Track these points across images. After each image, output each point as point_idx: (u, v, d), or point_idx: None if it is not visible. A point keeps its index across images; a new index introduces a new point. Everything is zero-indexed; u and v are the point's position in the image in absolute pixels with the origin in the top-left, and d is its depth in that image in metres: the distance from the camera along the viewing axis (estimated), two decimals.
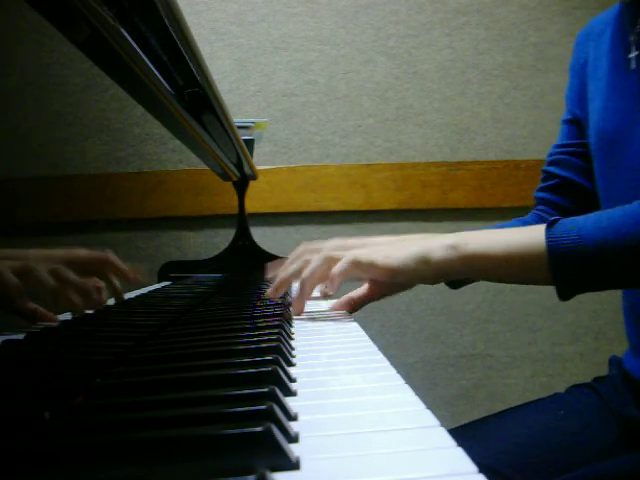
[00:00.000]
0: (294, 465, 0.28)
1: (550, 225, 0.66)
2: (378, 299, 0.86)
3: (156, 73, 0.75)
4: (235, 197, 1.48)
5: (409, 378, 0.43)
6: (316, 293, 1.03)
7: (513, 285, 1.90)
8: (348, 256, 0.74)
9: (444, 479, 0.27)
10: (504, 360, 1.92)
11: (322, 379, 0.45)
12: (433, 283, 0.76)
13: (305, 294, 0.77)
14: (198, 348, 0.53)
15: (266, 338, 0.54)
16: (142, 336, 0.59)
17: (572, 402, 0.89)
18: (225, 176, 1.45)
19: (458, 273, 0.72)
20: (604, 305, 1.90)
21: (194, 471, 0.28)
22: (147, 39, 0.71)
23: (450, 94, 1.91)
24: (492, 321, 1.92)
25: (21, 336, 0.56)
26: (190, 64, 0.80)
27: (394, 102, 1.90)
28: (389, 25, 1.89)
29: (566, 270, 0.65)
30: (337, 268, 0.74)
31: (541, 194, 1.01)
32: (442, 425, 0.33)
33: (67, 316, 0.69)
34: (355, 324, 0.71)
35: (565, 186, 0.98)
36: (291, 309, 0.80)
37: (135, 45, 0.66)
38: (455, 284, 0.91)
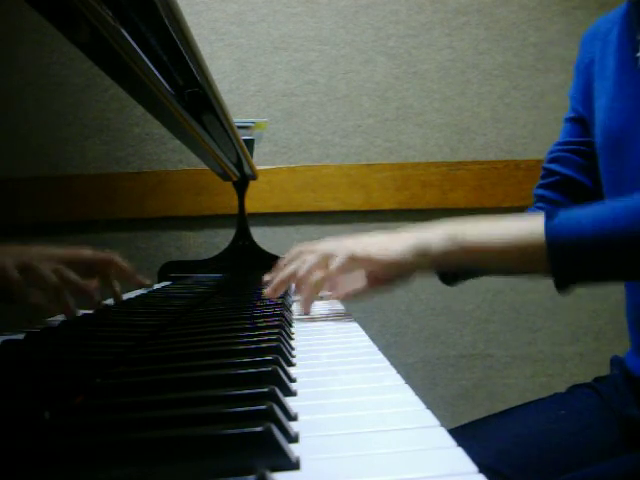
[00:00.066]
0: (294, 465, 0.28)
1: (549, 215, 0.66)
2: (376, 292, 0.86)
3: (156, 73, 0.75)
4: (235, 197, 1.48)
5: (409, 378, 0.43)
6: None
7: (513, 285, 1.90)
8: (344, 251, 0.74)
9: (444, 479, 0.27)
10: (504, 360, 1.92)
11: (322, 379, 0.45)
12: (430, 274, 0.76)
13: (307, 292, 0.77)
14: (198, 348, 0.53)
15: (266, 338, 0.54)
16: (142, 336, 0.59)
17: (572, 402, 0.89)
18: (225, 176, 1.45)
19: (456, 264, 0.72)
20: (604, 305, 1.90)
21: (194, 471, 0.28)
22: (147, 39, 0.71)
23: (450, 94, 1.91)
24: (492, 321, 1.92)
25: (21, 336, 0.56)
26: (190, 64, 0.80)
27: (394, 102, 1.90)
28: (389, 25, 1.89)
29: (565, 261, 0.65)
30: (334, 264, 0.74)
31: (540, 191, 1.01)
32: (442, 425, 0.33)
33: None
34: (355, 324, 0.71)
35: (565, 183, 0.98)
36: (299, 309, 0.80)
37: (135, 45, 0.66)
38: (450, 280, 0.90)
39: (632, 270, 0.67)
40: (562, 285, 0.68)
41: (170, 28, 0.69)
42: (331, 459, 0.30)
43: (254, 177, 1.51)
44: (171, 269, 1.23)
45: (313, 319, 0.78)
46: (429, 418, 0.35)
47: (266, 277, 0.85)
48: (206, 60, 0.85)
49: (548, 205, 0.99)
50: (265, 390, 0.36)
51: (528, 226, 0.68)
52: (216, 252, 1.45)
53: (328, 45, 1.88)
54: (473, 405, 1.89)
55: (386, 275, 0.76)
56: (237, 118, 1.30)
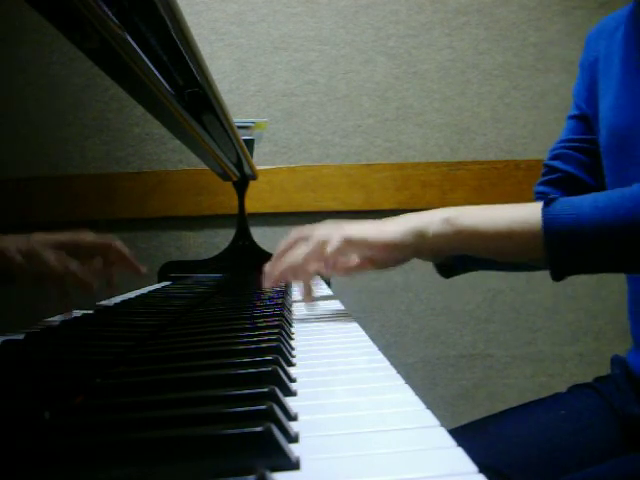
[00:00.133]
0: (294, 465, 0.28)
1: (548, 203, 0.66)
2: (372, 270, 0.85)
3: (156, 73, 0.75)
4: (235, 197, 1.48)
5: (409, 378, 0.43)
6: (316, 293, 1.03)
7: (513, 285, 1.90)
8: (340, 234, 0.74)
9: (444, 479, 0.27)
10: (504, 360, 1.92)
11: (322, 379, 0.45)
12: (427, 258, 0.76)
13: (305, 280, 0.77)
14: (198, 348, 0.53)
15: (266, 338, 0.54)
16: (142, 336, 0.59)
17: (573, 402, 0.89)
18: (225, 176, 1.45)
19: (453, 248, 0.72)
20: (604, 305, 1.90)
21: (194, 471, 0.28)
22: (147, 39, 0.71)
23: (450, 94, 1.91)
24: (492, 321, 1.92)
25: (21, 336, 0.56)
26: (190, 64, 0.80)
27: (394, 102, 1.90)
28: (389, 25, 1.89)
29: (561, 249, 0.65)
30: (330, 248, 0.74)
31: (541, 188, 1.00)
32: (442, 425, 0.33)
33: (67, 316, 0.68)
34: (355, 324, 0.71)
35: (567, 180, 0.97)
36: (303, 298, 0.80)
37: (135, 45, 0.66)
38: (448, 272, 0.90)
39: (630, 260, 0.66)
40: (557, 273, 0.67)
41: (170, 28, 0.69)
42: (331, 459, 0.30)
43: (254, 177, 1.51)
44: (171, 269, 1.23)
45: (313, 319, 0.78)
46: (429, 418, 0.35)
47: (266, 267, 0.85)
48: (206, 60, 0.85)
49: None
50: (265, 390, 0.36)
51: (526, 212, 0.68)
52: (216, 252, 1.45)
53: (328, 45, 1.88)
54: (473, 405, 1.89)
55: (382, 257, 0.76)
56: (237, 118, 1.30)
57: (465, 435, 0.84)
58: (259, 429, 0.28)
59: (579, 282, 1.88)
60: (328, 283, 1.26)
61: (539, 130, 1.91)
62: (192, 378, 0.42)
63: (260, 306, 0.81)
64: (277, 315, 0.71)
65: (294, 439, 0.32)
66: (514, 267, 0.93)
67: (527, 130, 1.92)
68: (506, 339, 1.92)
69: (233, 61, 1.85)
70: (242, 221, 1.47)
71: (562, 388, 0.95)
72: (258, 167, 1.55)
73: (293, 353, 0.55)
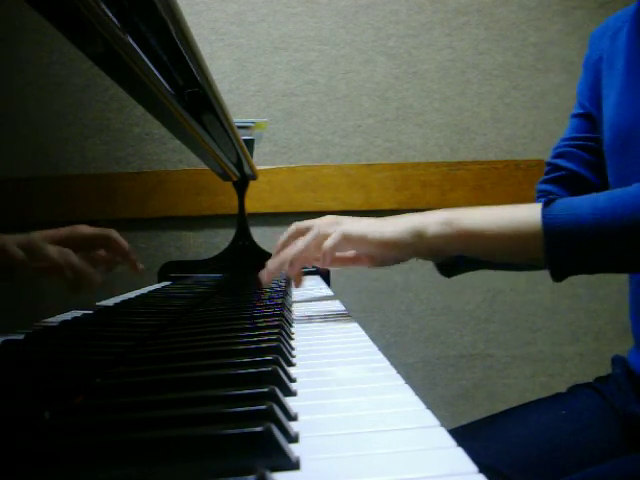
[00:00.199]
0: (294, 465, 0.28)
1: (547, 204, 0.66)
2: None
3: (156, 73, 0.75)
4: (235, 197, 1.48)
5: (409, 378, 0.43)
6: (316, 293, 1.03)
7: (513, 285, 1.90)
8: (339, 230, 0.74)
9: (444, 479, 0.27)
10: (504, 360, 1.92)
11: (322, 379, 0.45)
12: (426, 258, 0.76)
13: (294, 270, 0.77)
14: (198, 348, 0.53)
15: (266, 338, 0.54)
16: (142, 336, 0.59)
17: (573, 402, 0.89)
18: (225, 176, 1.45)
19: (452, 249, 0.72)
20: (604, 305, 1.90)
21: (194, 471, 0.28)
22: (147, 39, 0.71)
23: (450, 94, 1.91)
24: (492, 321, 1.92)
25: (21, 336, 0.56)
26: (190, 64, 0.80)
27: (394, 102, 1.90)
28: (389, 25, 1.89)
29: (561, 249, 0.65)
30: (328, 242, 0.74)
31: (544, 186, 1.00)
32: (442, 425, 0.33)
33: (67, 316, 0.69)
34: (355, 324, 0.71)
35: (570, 179, 0.97)
36: (262, 272, 0.80)
37: (135, 45, 0.66)
38: (448, 271, 0.90)
39: (630, 259, 0.66)
40: (557, 274, 0.67)
41: (170, 28, 0.69)
42: (331, 459, 0.30)
43: (254, 177, 1.51)
44: (171, 269, 1.23)
45: (313, 319, 0.78)
46: (429, 418, 0.35)
47: (268, 263, 0.85)
48: (206, 60, 0.85)
49: None
50: (265, 390, 0.36)
51: (525, 213, 0.68)
52: (216, 252, 1.45)
53: (328, 45, 1.88)
54: (473, 405, 1.89)
55: (380, 255, 0.76)
56: (237, 118, 1.30)
57: (465, 435, 0.84)
58: (259, 429, 0.28)
59: (579, 282, 1.88)
60: (328, 283, 1.26)
61: (539, 130, 1.91)
62: (192, 378, 0.42)
63: (260, 306, 0.81)
64: (277, 315, 0.71)
65: (294, 439, 0.32)
66: (515, 267, 0.93)
67: (527, 130, 1.92)
68: (506, 339, 1.92)
69: (233, 61, 1.85)
70: (242, 221, 1.47)
71: (562, 388, 0.95)
72: (258, 167, 1.55)
73: (293, 353, 0.55)
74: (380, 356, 0.52)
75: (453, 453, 0.30)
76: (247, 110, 1.85)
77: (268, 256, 1.45)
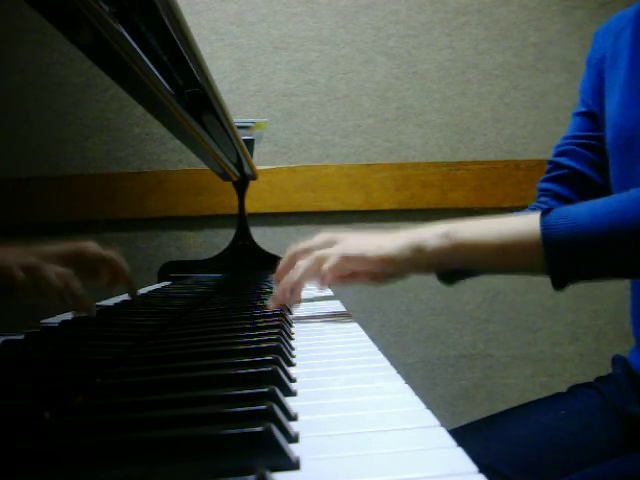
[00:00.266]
0: (294, 465, 0.28)
1: (545, 213, 0.66)
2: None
3: (156, 73, 0.75)
4: (235, 197, 1.48)
5: (409, 378, 0.43)
6: (316, 293, 1.03)
7: (513, 285, 1.90)
8: (337, 251, 0.74)
9: (444, 479, 0.27)
10: (504, 360, 1.92)
11: (322, 379, 0.45)
12: (427, 273, 0.75)
13: (295, 297, 0.77)
14: (198, 348, 0.53)
15: (266, 338, 0.54)
16: (142, 336, 0.59)
17: (573, 402, 0.89)
18: (225, 176, 1.45)
19: (452, 262, 0.72)
20: (604, 305, 1.90)
21: (194, 471, 0.28)
22: (147, 39, 0.71)
23: (450, 94, 1.91)
24: (492, 321, 1.92)
25: (21, 336, 0.56)
26: (190, 64, 0.80)
27: (394, 102, 1.90)
28: (389, 25, 1.89)
29: (561, 258, 0.65)
30: (327, 265, 0.73)
31: (545, 184, 0.99)
32: (442, 425, 0.33)
33: (67, 316, 0.69)
34: (355, 324, 0.71)
35: (573, 177, 0.96)
36: (269, 301, 0.79)
37: (135, 45, 0.66)
38: (449, 279, 0.90)
39: (629, 266, 0.66)
40: (558, 283, 0.67)
41: (170, 28, 0.69)
42: (331, 459, 0.30)
43: (254, 177, 1.51)
44: (171, 269, 1.23)
45: (313, 319, 0.78)
46: (429, 418, 0.35)
47: (274, 293, 0.84)
48: (206, 60, 0.85)
49: (553, 199, 0.97)
50: (265, 390, 0.36)
51: (524, 223, 0.68)
52: (216, 252, 1.45)
53: (328, 45, 1.88)
54: (473, 405, 1.89)
55: (380, 272, 0.76)
56: (237, 118, 1.30)
57: (465, 435, 0.84)
58: (259, 429, 0.28)
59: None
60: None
61: (539, 130, 1.91)
62: (192, 378, 0.42)
63: (260, 306, 0.81)
64: (277, 315, 0.71)
65: (294, 439, 0.32)
66: (516, 274, 0.92)
67: (527, 130, 1.92)
68: (506, 339, 1.92)
69: (233, 61, 1.85)
70: (242, 221, 1.47)
71: (562, 388, 0.95)
72: (258, 167, 1.55)
73: (293, 353, 0.55)
74: (380, 356, 0.52)
75: (453, 453, 0.30)
76: (247, 110, 1.85)
77: (268, 256, 1.46)
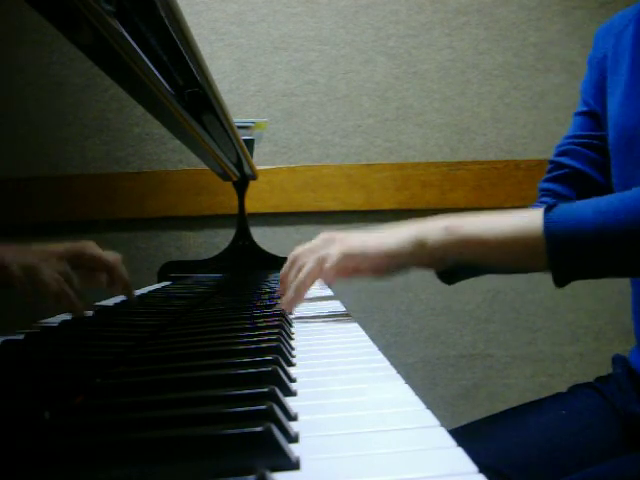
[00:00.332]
0: (294, 465, 0.28)
1: (548, 209, 0.66)
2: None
3: (156, 73, 0.75)
4: (235, 197, 1.48)
5: (409, 378, 0.43)
6: (316, 293, 1.03)
7: (513, 285, 1.90)
8: (339, 249, 0.74)
9: (444, 479, 0.27)
10: (504, 360, 1.92)
11: (322, 379, 0.45)
12: (428, 267, 0.75)
13: (299, 298, 0.77)
14: (198, 348, 0.53)
15: (266, 338, 0.54)
16: (142, 336, 0.59)
17: (573, 402, 0.89)
18: (225, 176, 1.45)
19: (453, 256, 0.72)
20: (604, 305, 1.90)
21: (194, 471, 0.28)
22: (147, 39, 0.71)
23: (450, 94, 1.91)
24: (492, 321, 1.92)
25: (21, 336, 0.56)
26: (190, 64, 0.80)
27: (394, 102, 1.90)
28: (389, 25, 1.89)
29: (563, 254, 0.64)
30: (330, 263, 0.73)
31: (547, 184, 0.99)
32: (442, 425, 0.33)
33: (67, 316, 0.69)
34: (355, 324, 0.71)
35: (574, 177, 0.96)
36: (279, 304, 0.79)
37: (135, 45, 0.66)
38: (450, 278, 0.89)
39: (632, 265, 0.66)
40: (560, 279, 0.67)
41: (170, 28, 0.69)
42: (331, 459, 0.30)
43: (254, 177, 1.51)
44: (171, 269, 1.23)
45: (313, 319, 0.78)
46: (429, 418, 0.35)
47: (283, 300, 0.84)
48: (206, 60, 0.85)
49: (554, 199, 0.96)
50: (265, 390, 0.36)
51: (527, 219, 0.68)
52: (216, 252, 1.45)
53: (328, 45, 1.88)
54: (473, 405, 1.89)
55: (383, 267, 0.76)
56: (237, 118, 1.30)
57: (465, 435, 0.84)
58: (259, 429, 0.28)
59: (579, 282, 1.88)
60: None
61: (539, 130, 1.91)
62: (192, 378, 0.42)
63: (260, 306, 0.81)
64: (277, 315, 0.71)
65: (294, 439, 0.32)
66: (516, 271, 0.92)
67: (527, 130, 1.92)
68: (506, 339, 1.92)
69: (233, 61, 1.85)
70: (242, 221, 1.47)
71: (562, 388, 0.95)
72: (258, 167, 1.55)
73: (293, 353, 0.55)
74: (380, 356, 0.52)
75: (453, 453, 0.30)
76: (247, 110, 1.85)
77: (268, 256, 1.46)
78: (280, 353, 0.49)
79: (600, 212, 0.63)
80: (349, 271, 0.78)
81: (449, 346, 1.91)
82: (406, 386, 0.42)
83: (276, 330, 0.58)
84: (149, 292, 1.03)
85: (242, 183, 1.48)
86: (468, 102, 1.91)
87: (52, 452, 0.28)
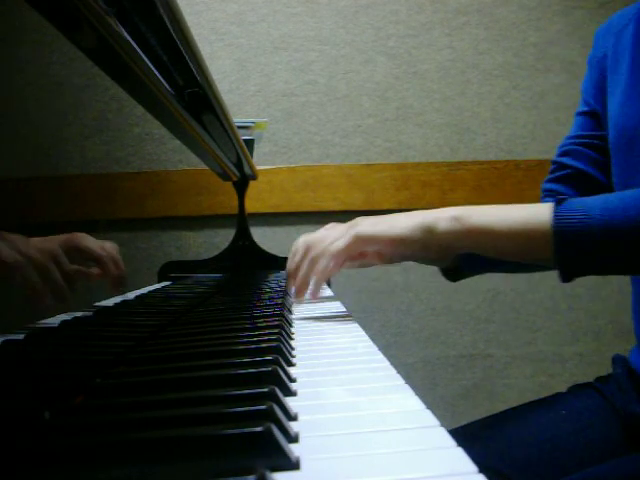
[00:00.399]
0: (294, 465, 0.28)
1: (558, 203, 0.66)
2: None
3: (156, 73, 0.75)
4: (235, 197, 1.48)
5: (409, 378, 0.43)
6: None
7: (513, 285, 1.90)
8: (350, 232, 0.74)
9: (444, 479, 0.27)
10: (504, 360, 1.92)
11: (322, 379, 0.45)
12: (436, 256, 0.75)
13: (318, 290, 0.77)
14: (198, 348, 0.53)
15: (266, 338, 0.54)
16: (142, 336, 0.59)
17: (573, 402, 0.89)
18: (225, 176, 1.45)
19: (461, 246, 0.72)
20: (604, 305, 1.90)
21: (194, 471, 0.28)
22: (147, 39, 0.71)
23: (450, 94, 1.91)
24: (492, 321, 1.92)
25: (21, 336, 0.56)
26: (190, 64, 0.80)
27: (394, 102, 1.90)
28: (389, 25, 1.89)
29: (570, 249, 0.64)
30: (339, 244, 0.74)
31: (549, 185, 0.99)
32: (442, 425, 0.33)
33: (67, 316, 0.69)
34: (355, 324, 0.71)
35: (577, 177, 0.96)
36: (291, 294, 0.80)
37: (135, 45, 0.66)
38: (454, 276, 0.89)
39: (638, 262, 0.66)
40: (566, 274, 0.67)
41: (170, 28, 0.69)
42: (331, 459, 0.30)
43: (254, 177, 1.51)
44: (171, 269, 1.23)
45: (313, 319, 0.78)
46: (429, 418, 0.35)
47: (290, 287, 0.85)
48: (206, 60, 0.85)
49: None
50: (265, 390, 0.36)
51: (535, 212, 0.68)
52: (216, 252, 1.45)
53: (328, 45, 1.88)
54: (473, 405, 1.89)
55: (390, 252, 0.76)
56: (237, 118, 1.30)
57: (465, 435, 0.84)
58: (259, 429, 0.28)
59: (579, 282, 1.87)
60: (328, 283, 1.26)
61: (539, 130, 1.91)
62: (192, 378, 0.42)
63: (260, 306, 0.81)
64: (277, 315, 0.71)
65: (294, 439, 0.32)
66: (523, 268, 0.92)
67: (527, 130, 1.92)
68: (506, 339, 1.92)
69: (233, 61, 1.85)
70: (242, 221, 1.47)
71: (562, 388, 0.95)
72: (258, 167, 1.55)
73: (293, 353, 0.55)
74: (380, 356, 0.52)
75: (453, 453, 0.30)
76: (247, 110, 1.85)
77: (268, 256, 1.46)
78: (280, 353, 0.49)
79: (609, 208, 0.63)
80: (355, 256, 0.79)
81: (449, 346, 1.91)
82: (406, 386, 0.42)
83: (276, 330, 0.58)
84: (149, 292, 1.03)
85: (242, 183, 1.48)
86: (468, 102, 1.91)
87: (52, 452, 0.28)
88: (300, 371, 0.48)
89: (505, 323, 1.92)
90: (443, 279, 0.93)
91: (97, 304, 0.82)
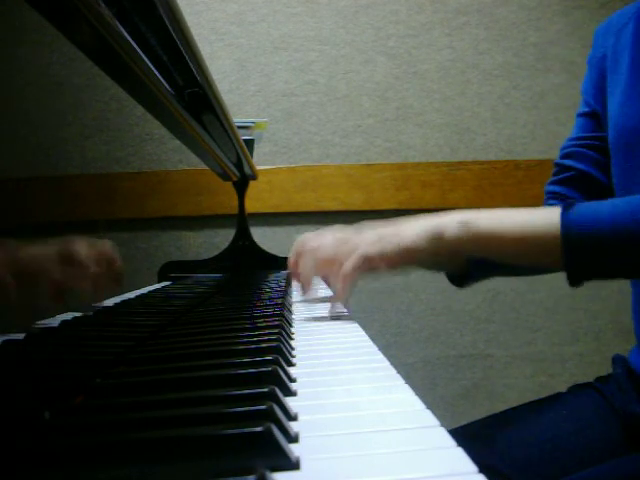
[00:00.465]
0: (294, 465, 0.28)
1: (566, 207, 0.66)
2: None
3: (156, 73, 0.75)
4: (235, 197, 1.48)
5: (409, 378, 0.43)
6: (316, 294, 1.03)
7: (513, 285, 1.90)
8: (358, 254, 0.73)
9: (444, 479, 0.27)
10: (504, 360, 1.92)
11: (322, 379, 0.45)
12: (446, 260, 0.75)
13: (343, 295, 0.77)
14: (198, 348, 0.53)
15: (266, 338, 0.54)
16: (142, 336, 0.59)
17: (574, 402, 0.89)
18: (225, 176, 1.45)
19: (469, 251, 0.72)
20: (604, 305, 1.90)
21: (194, 471, 0.28)
22: (147, 39, 0.71)
23: (450, 94, 1.91)
24: (492, 321, 1.92)
25: (21, 336, 0.56)
26: (190, 64, 0.80)
27: (394, 102, 1.90)
28: (389, 25, 1.89)
29: (579, 253, 0.64)
30: (347, 268, 0.73)
31: (552, 187, 0.99)
32: (442, 425, 0.33)
33: (67, 316, 0.69)
34: (355, 324, 0.71)
35: (579, 179, 0.96)
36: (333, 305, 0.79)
37: (135, 45, 0.66)
38: (461, 281, 0.89)
39: None
40: (575, 278, 0.67)
41: (170, 28, 0.69)
42: (331, 459, 0.30)
43: (254, 177, 1.51)
44: (171, 269, 1.23)
45: (313, 319, 0.78)
46: (429, 418, 0.35)
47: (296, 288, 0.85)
48: (206, 60, 0.85)
49: (560, 201, 0.97)
50: (265, 390, 0.36)
51: (544, 216, 0.67)
52: (216, 252, 1.45)
53: (328, 45, 1.88)
54: (473, 405, 1.89)
55: (399, 263, 0.75)
56: (237, 118, 1.30)
57: (465, 435, 0.84)
58: (259, 429, 0.28)
59: None
60: (328, 283, 1.26)
61: (539, 130, 1.91)
62: (192, 378, 0.42)
63: (260, 306, 0.81)
64: (277, 315, 0.71)
65: (294, 439, 0.32)
66: (530, 272, 0.92)
67: (527, 130, 1.92)
68: (506, 339, 1.92)
69: (233, 61, 1.85)
70: (242, 221, 1.47)
71: (562, 388, 0.95)
72: (258, 167, 1.55)
73: (293, 353, 0.55)
74: (380, 356, 0.52)
75: (453, 453, 0.30)
76: (247, 110, 1.85)
77: (268, 256, 1.46)
78: (280, 353, 0.49)
79: (617, 213, 0.63)
80: (365, 269, 0.78)
81: (449, 346, 1.91)
82: (406, 386, 0.42)
83: (276, 330, 0.58)
84: (149, 292, 1.03)
85: (242, 183, 1.48)
86: (468, 102, 1.91)
87: (52, 452, 0.29)
88: (300, 371, 0.48)
89: (505, 323, 1.92)
90: (443, 279, 0.93)
91: (97, 304, 0.82)
